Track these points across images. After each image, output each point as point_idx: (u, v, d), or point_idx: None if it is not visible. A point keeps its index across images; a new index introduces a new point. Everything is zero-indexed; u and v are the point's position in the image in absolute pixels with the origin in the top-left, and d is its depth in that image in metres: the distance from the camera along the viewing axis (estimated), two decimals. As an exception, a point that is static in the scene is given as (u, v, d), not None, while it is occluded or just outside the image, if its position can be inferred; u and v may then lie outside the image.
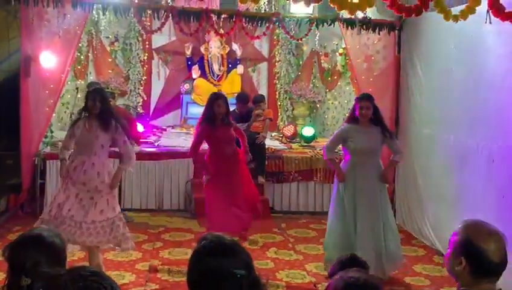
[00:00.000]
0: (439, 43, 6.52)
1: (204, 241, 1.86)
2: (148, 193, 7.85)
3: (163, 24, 7.47)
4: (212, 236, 1.88)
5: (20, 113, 6.99)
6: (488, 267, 2.12)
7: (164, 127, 9.59)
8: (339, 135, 5.59)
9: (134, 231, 6.61)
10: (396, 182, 7.68)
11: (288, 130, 9.36)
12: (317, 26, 7.64)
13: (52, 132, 7.84)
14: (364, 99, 5.52)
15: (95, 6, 7.18)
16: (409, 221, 7.27)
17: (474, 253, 2.12)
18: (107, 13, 7.87)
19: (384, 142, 5.55)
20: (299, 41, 8.59)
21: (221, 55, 9.86)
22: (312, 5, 7.76)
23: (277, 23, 7.67)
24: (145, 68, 9.77)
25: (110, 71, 9.56)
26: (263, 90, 10.12)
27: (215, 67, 9.83)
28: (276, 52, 10.06)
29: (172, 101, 10.04)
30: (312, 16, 7.91)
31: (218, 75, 9.85)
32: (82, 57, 9.19)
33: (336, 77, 9.79)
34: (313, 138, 9.11)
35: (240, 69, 9.88)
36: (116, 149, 5.36)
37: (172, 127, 9.64)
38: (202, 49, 9.81)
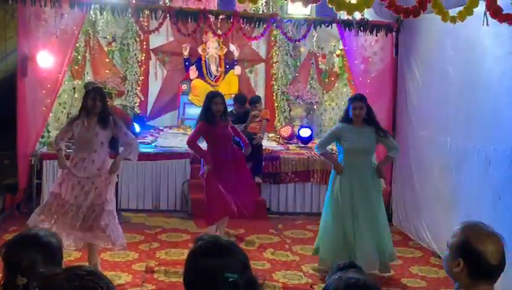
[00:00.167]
0: (436, 45, 6.53)
1: (201, 241, 1.85)
2: (144, 194, 7.83)
3: (160, 24, 7.46)
4: (209, 237, 1.88)
5: (17, 112, 6.97)
6: (486, 269, 2.12)
7: (161, 128, 9.59)
8: (332, 132, 5.70)
9: (131, 231, 6.62)
10: (393, 184, 7.69)
11: (285, 131, 9.36)
12: (314, 27, 7.64)
13: (49, 131, 7.82)
14: (357, 99, 5.59)
15: (92, 6, 7.16)
16: (405, 222, 7.28)
17: (472, 255, 2.12)
18: (104, 13, 7.83)
19: (379, 141, 5.62)
20: (297, 42, 8.59)
21: (219, 56, 9.87)
22: (310, 6, 7.81)
23: (274, 24, 7.67)
24: (142, 68, 9.76)
25: (107, 71, 9.55)
26: (260, 91, 10.12)
27: (213, 68, 9.83)
28: (274, 53, 10.07)
29: (170, 102, 10.03)
30: (310, 17, 7.91)
31: (215, 76, 9.85)
32: (79, 57, 9.18)
33: (333, 79, 9.80)
34: (309, 139, 9.12)
35: (237, 70, 9.88)
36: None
37: (170, 127, 9.64)
38: (200, 49, 9.81)
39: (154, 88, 9.99)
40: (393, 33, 7.53)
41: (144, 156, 7.70)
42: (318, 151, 5.83)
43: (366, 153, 5.57)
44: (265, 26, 7.55)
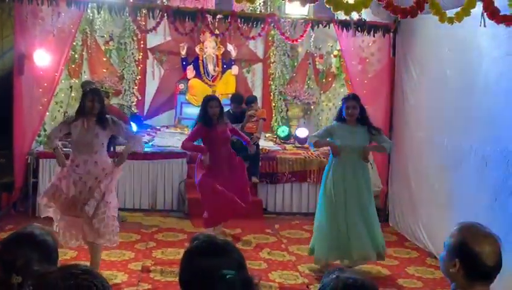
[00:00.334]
0: (433, 46, 6.54)
1: (196, 241, 1.85)
2: (141, 193, 7.82)
3: (158, 23, 7.45)
4: (204, 236, 1.87)
5: (14, 111, 6.96)
6: (482, 270, 2.12)
7: (158, 127, 9.57)
8: (326, 129, 5.81)
9: (128, 230, 6.61)
10: (389, 184, 7.70)
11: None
12: (312, 27, 7.64)
13: (45, 130, 7.79)
14: (351, 99, 5.66)
15: (89, 5, 7.15)
16: (402, 223, 7.28)
17: (468, 255, 2.12)
18: (101, 12, 7.82)
19: (373, 139, 5.70)
20: (294, 42, 8.59)
21: (216, 56, 9.85)
22: (307, 6, 7.80)
23: (272, 24, 7.67)
24: (139, 68, 9.74)
25: (104, 70, 9.53)
26: (258, 91, 10.11)
27: (210, 67, 9.82)
28: (271, 53, 10.05)
29: (167, 101, 10.01)
30: (307, 17, 7.91)
31: (212, 76, 9.83)
32: (76, 56, 9.15)
33: (330, 79, 9.79)
34: (306, 140, 9.12)
35: (234, 69, 9.87)
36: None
37: (167, 127, 9.62)
38: (197, 49, 9.79)
39: (151, 87, 9.97)
40: (391, 34, 7.54)
41: (140, 156, 7.68)
42: (310, 142, 5.86)
43: (358, 152, 5.62)
44: (262, 26, 7.55)
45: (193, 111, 9.13)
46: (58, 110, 8.55)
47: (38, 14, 6.99)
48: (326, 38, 9.41)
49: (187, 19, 7.32)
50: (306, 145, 8.90)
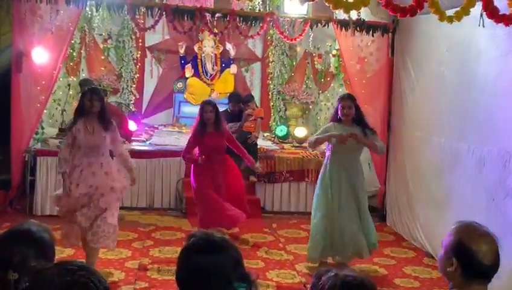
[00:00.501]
0: (432, 46, 6.54)
1: (194, 238, 1.84)
2: (139, 191, 7.81)
3: (156, 22, 7.44)
4: (201, 233, 1.87)
5: (11, 109, 6.93)
6: (479, 269, 2.11)
7: (156, 126, 9.57)
8: (324, 129, 5.75)
9: (125, 229, 6.60)
10: (387, 184, 7.70)
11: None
12: (311, 27, 7.64)
13: (43, 128, 7.79)
14: (346, 99, 5.68)
15: (88, 3, 7.13)
16: (399, 223, 7.28)
17: (465, 255, 2.12)
18: (100, 10, 7.82)
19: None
20: (293, 41, 8.59)
21: (215, 55, 9.85)
22: (306, 5, 7.81)
23: (271, 23, 7.66)
24: (138, 66, 9.73)
25: (102, 68, 9.52)
26: (256, 91, 10.12)
27: (209, 66, 9.81)
28: (270, 53, 10.05)
29: (165, 100, 10.01)
30: (306, 17, 7.91)
31: (211, 75, 9.83)
32: (74, 54, 9.14)
33: (329, 79, 9.79)
34: (305, 139, 9.12)
35: (233, 68, 9.86)
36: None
37: (164, 125, 9.62)
38: (196, 48, 9.79)
39: (149, 86, 9.97)
40: (389, 34, 7.54)
41: (138, 154, 7.69)
42: (310, 142, 5.79)
43: (354, 152, 5.65)
44: (261, 25, 7.54)
45: (191, 110, 9.15)
46: (56, 108, 8.54)
47: (36, 12, 6.97)
48: (325, 38, 9.40)
49: (186, 18, 7.31)
50: (304, 144, 8.91)
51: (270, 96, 10.08)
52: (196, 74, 9.78)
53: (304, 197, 8.09)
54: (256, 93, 10.03)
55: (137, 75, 9.73)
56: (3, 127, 6.98)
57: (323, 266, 3.61)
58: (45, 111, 7.67)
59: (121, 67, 9.61)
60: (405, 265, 6.11)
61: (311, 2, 4.98)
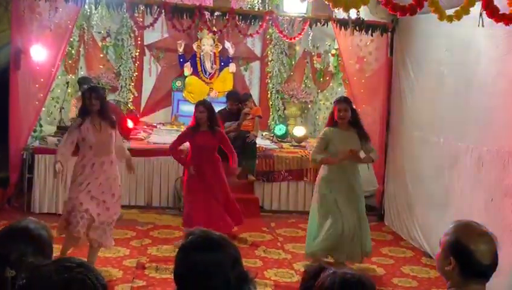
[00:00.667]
0: (431, 46, 6.54)
1: (192, 236, 1.83)
2: (137, 190, 7.81)
3: (155, 20, 7.43)
4: (200, 231, 1.86)
5: (10, 106, 6.92)
6: (477, 268, 2.11)
7: (154, 124, 9.55)
8: (322, 139, 5.65)
9: (123, 227, 6.59)
10: (385, 183, 7.70)
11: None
12: (310, 26, 7.63)
13: (41, 126, 7.77)
14: (342, 101, 5.65)
15: (87, 1, 7.10)
16: (397, 222, 7.28)
17: (463, 254, 2.11)
18: (99, 8, 7.80)
19: (361, 144, 5.64)
20: (292, 40, 8.58)
21: (214, 53, 9.83)
22: (306, 4, 7.80)
23: (270, 22, 7.65)
24: (136, 64, 9.71)
25: (101, 66, 9.50)
26: (255, 90, 10.11)
27: (207, 65, 9.80)
28: (269, 52, 10.04)
29: (163, 98, 9.99)
30: (305, 16, 7.90)
31: (210, 73, 9.82)
32: (73, 52, 9.12)
33: (328, 78, 9.79)
34: (304, 138, 9.12)
35: (232, 67, 9.85)
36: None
37: (163, 124, 9.60)
38: (195, 46, 9.77)
39: (148, 84, 9.94)
40: (389, 33, 7.53)
41: (136, 152, 7.66)
42: (315, 162, 5.74)
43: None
44: (260, 23, 7.53)
45: (190, 108, 9.10)
46: (54, 106, 8.52)
47: (35, 9, 6.95)
48: (324, 37, 9.40)
49: (185, 16, 7.29)
50: (303, 144, 8.91)
51: (269, 96, 10.07)
52: (195, 72, 9.77)
53: (302, 197, 8.08)
54: (255, 92, 10.02)
55: (136, 73, 9.72)
56: (1, 125, 6.97)
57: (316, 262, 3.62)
58: (43, 109, 7.65)
59: (120, 66, 9.60)
60: (403, 265, 6.11)
61: (310, 0, 4.97)
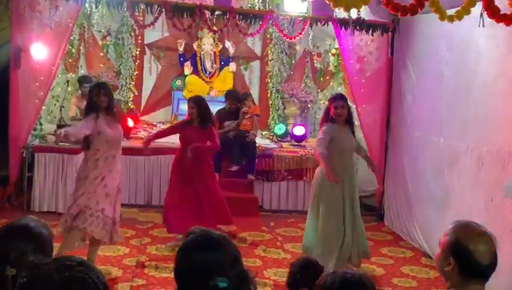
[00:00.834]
0: (432, 46, 6.54)
1: (192, 235, 1.83)
2: (137, 189, 7.81)
3: (156, 19, 7.42)
4: (200, 230, 1.85)
5: (10, 104, 6.92)
6: (477, 268, 2.11)
7: (155, 123, 9.55)
8: (327, 132, 5.45)
9: (123, 226, 6.56)
10: (385, 183, 7.70)
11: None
12: (310, 25, 7.63)
13: (41, 124, 7.77)
14: (339, 98, 5.63)
15: (87, -1, 7.12)
16: (397, 222, 7.29)
17: (462, 254, 2.11)
18: (99, 6, 7.80)
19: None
20: (292, 40, 8.58)
21: (214, 53, 9.83)
22: (306, 3, 7.79)
23: (270, 22, 7.65)
24: (136, 63, 9.71)
25: (101, 65, 9.50)
26: (255, 89, 10.11)
27: (208, 64, 9.79)
28: (269, 51, 10.04)
29: (164, 97, 9.99)
30: (306, 15, 7.90)
31: (210, 72, 9.81)
32: (73, 50, 9.12)
33: (328, 78, 9.79)
34: (303, 138, 9.12)
35: (232, 66, 9.85)
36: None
37: (163, 123, 9.59)
38: (195, 45, 9.77)
39: (148, 83, 9.95)
40: (389, 33, 7.53)
41: (136, 151, 7.68)
42: (320, 150, 5.41)
43: (351, 153, 5.66)
44: (261, 23, 7.53)
45: (190, 107, 9.12)
46: (54, 104, 8.52)
47: (35, 7, 6.94)
48: (325, 37, 9.40)
49: (185, 15, 7.29)
50: (303, 143, 8.91)
51: (268, 95, 10.07)
52: (195, 71, 9.77)
53: (302, 196, 8.08)
54: (255, 92, 10.03)
55: (136, 72, 9.72)
56: (1, 123, 6.97)
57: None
58: (43, 107, 7.65)
59: (120, 64, 9.60)
60: (403, 265, 6.11)
61: (311, 0, 4.96)
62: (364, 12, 7.03)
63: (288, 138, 9.31)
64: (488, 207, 5.18)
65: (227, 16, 7.38)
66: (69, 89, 8.82)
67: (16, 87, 6.95)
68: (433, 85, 6.51)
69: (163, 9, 7.14)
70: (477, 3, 4.27)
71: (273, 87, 10.04)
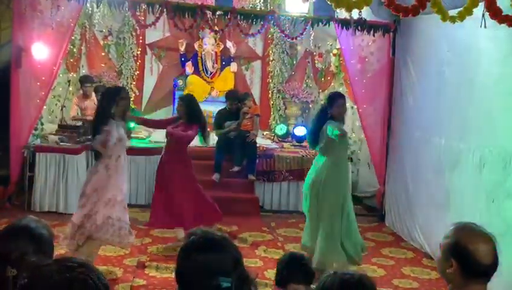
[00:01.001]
0: (433, 47, 6.53)
1: (193, 236, 1.83)
2: (138, 189, 7.80)
3: (157, 19, 7.41)
4: (201, 231, 1.85)
5: (11, 104, 6.92)
6: (478, 268, 2.11)
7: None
8: (334, 124, 5.42)
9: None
10: (386, 184, 7.69)
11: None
12: (312, 25, 7.62)
13: (42, 124, 7.77)
14: (340, 97, 5.65)
15: (89, -1, 7.12)
16: (398, 223, 7.28)
17: (464, 255, 2.11)
18: (101, 6, 7.79)
19: None
20: (294, 40, 8.57)
21: (215, 53, 9.83)
22: (307, 4, 7.78)
23: (272, 22, 7.65)
24: (138, 63, 9.72)
25: (102, 65, 9.51)
26: (256, 89, 10.11)
27: (209, 64, 9.79)
28: (270, 51, 10.04)
29: (165, 97, 9.99)
30: (307, 15, 7.90)
31: (211, 72, 9.81)
32: (75, 50, 9.12)
33: (329, 78, 9.78)
34: (304, 138, 9.11)
35: (233, 66, 9.85)
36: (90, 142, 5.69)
37: (164, 123, 9.58)
38: (196, 45, 9.77)
39: (149, 83, 9.95)
40: (391, 34, 7.52)
41: (137, 151, 7.69)
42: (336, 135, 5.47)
43: (346, 151, 5.81)
44: (262, 23, 7.53)
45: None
46: (56, 104, 8.52)
47: (37, 7, 6.95)
48: (326, 37, 9.39)
49: (186, 15, 7.29)
50: (305, 144, 8.90)
51: (270, 95, 10.07)
52: (196, 71, 9.77)
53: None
54: (256, 92, 10.03)
55: (138, 72, 9.72)
56: (2, 123, 6.97)
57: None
58: (45, 107, 7.65)
59: (121, 64, 9.60)
60: (404, 266, 6.10)
61: (313, 0, 4.96)
62: (366, 13, 7.02)
63: (289, 138, 9.32)
64: (489, 208, 5.17)
65: (229, 16, 7.38)
66: (70, 89, 8.82)
67: (17, 87, 6.95)
68: (434, 86, 6.50)
69: (165, 9, 7.13)
70: (479, 4, 4.26)
71: (274, 88, 10.04)
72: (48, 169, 7.26)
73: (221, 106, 8.44)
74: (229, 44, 9.76)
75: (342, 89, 9.36)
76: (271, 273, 5.58)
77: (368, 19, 7.26)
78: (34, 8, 6.94)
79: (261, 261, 5.96)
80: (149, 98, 9.95)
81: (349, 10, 4.15)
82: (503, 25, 4.24)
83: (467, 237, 2.14)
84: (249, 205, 7.70)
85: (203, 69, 9.78)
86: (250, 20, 7.55)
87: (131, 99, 9.52)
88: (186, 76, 9.74)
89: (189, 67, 9.71)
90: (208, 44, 9.69)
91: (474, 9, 4.29)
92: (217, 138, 7.99)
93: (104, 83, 8.87)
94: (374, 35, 7.44)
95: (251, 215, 7.44)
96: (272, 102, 10.04)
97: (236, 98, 8.10)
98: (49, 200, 7.28)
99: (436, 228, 5.91)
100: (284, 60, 10.07)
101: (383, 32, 7.44)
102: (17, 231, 2.04)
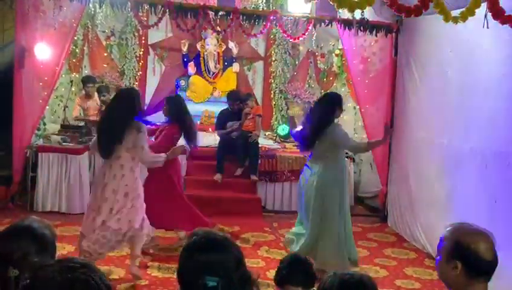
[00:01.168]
0: (436, 47, 6.52)
1: (195, 236, 1.83)
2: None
3: (160, 19, 7.42)
4: (203, 232, 1.86)
5: (13, 104, 6.93)
6: (482, 265, 2.11)
7: (158, 123, 9.51)
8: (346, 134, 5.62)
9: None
10: (389, 185, 7.68)
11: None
12: (314, 26, 7.62)
13: (45, 124, 7.79)
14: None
15: (91, 0, 7.12)
16: (400, 224, 7.27)
17: (467, 254, 2.11)
18: (103, 7, 7.80)
19: None
20: (296, 40, 8.57)
21: (218, 53, 9.83)
22: (310, 4, 7.78)
23: (274, 22, 7.65)
24: (140, 63, 9.72)
25: (105, 65, 9.50)
26: (258, 89, 10.11)
27: (211, 64, 9.79)
28: (273, 52, 10.03)
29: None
30: (309, 16, 7.89)
31: (213, 73, 9.81)
32: (77, 50, 9.13)
33: (331, 78, 9.78)
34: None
35: (235, 67, 9.85)
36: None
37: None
38: (198, 46, 9.77)
39: (152, 83, 9.95)
40: (393, 34, 7.52)
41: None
42: (362, 145, 5.99)
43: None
44: (264, 23, 7.53)
45: (193, 108, 9.10)
46: (58, 104, 8.53)
47: (39, 8, 6.96)
48: (328, 37, 9.39)
49: (189, 16, 7.29)
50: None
51: (272, 95, 10.06)
52: (198, 72, 9.77)
53: (305, 197, 8.06)
54: (258, 92, 10.02)
55: (140, 72, 9.71)
56: (5, 123, 6.98)
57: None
58: (47, 107, 7.66)
59: (124, 65, 9.60)
60: (406, 266, 6.09)
61: (315, 1, 4.95)
62: (368, 13, 7.03)
63: (292, 139, 9.30)
64: (492, 209, 5.16)
65: (231, 17, 7.38)
66: (73, 89, 8.83)
67: (19, 87, 6.97)
68: (436, 86, 6.49)
69: (167, 10, 7.14)
70: (482, 4, 4.26)
71: (276, 88, 10.03)
72: (50, 169, 7.27)
73: (223, 107, 8.44)
74: (231, 44, 9.76)
75: (344, 90, 9.39)
76: (273, 274, 5.56)
77: (370, 19, 7.26)
78: (37, 8, 6.95)
79: (263, 261, 5.96)
80: (151, 99, 9.94)
81: (351, 10, 4.15)
82: (505, 25, 4.24)
83: (467, 237, 2.14)
84: (251, 206, 7.70)
85: (205, 70, 9.78)
86: (252, 21, 7.55)
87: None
88: (189, 76, 9.75)
89: (191, 68, 9.72)
90: (210, 44, 9.70)
91: (477, 10, 4.29)
92: (219, 139, 8.00)
93: (106, 84, 8.87)
94: (376, 36, 7.44)
95: (253, 216, 7.44)
96: (274, 102, 10.03)
97: (238, 99, 8.11)
98: (52, 200, 7.29)
99: (439, 228, 5.84)
100: (286, 61, 10.06)
101: (385, 33, 7.44)
102: (20, 231, 2.04)
